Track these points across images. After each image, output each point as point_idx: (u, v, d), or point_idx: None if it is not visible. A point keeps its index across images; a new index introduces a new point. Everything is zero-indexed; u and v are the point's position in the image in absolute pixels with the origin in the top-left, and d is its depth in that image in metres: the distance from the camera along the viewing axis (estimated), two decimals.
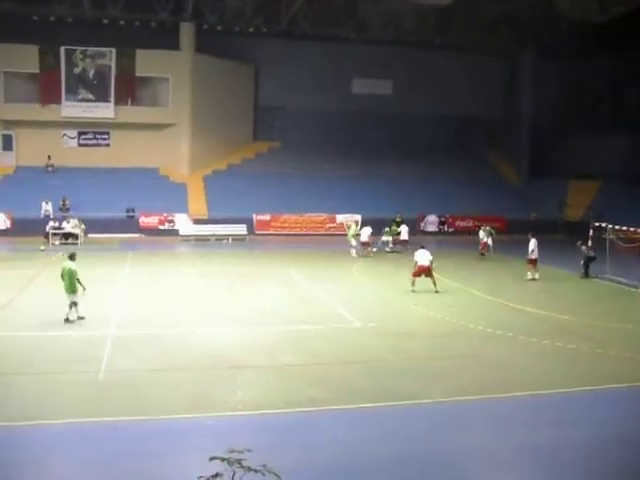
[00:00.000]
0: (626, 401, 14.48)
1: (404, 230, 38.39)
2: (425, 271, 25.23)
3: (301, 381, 14.93)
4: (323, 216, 45.67)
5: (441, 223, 48.16)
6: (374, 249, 36.56)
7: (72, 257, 20.36)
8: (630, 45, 47.89)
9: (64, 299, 19.53)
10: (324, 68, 52.39)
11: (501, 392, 14.43)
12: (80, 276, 19.59)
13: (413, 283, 25.33)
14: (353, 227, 37.79)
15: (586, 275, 29.56)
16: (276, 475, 6.05)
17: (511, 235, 41.68)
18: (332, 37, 50.27)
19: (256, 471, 6.00)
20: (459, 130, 55.86)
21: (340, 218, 45.59)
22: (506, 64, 57.62)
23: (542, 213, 48.28)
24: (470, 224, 46.91)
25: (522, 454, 11.80)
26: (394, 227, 39.19)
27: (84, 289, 19.54)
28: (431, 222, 48.25)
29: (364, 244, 35.91)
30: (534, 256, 28.63)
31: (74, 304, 19.47)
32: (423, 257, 25.35)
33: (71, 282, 19.46)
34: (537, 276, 28.69)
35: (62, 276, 19.62)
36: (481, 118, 56.39)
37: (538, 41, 52.39)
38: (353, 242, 36.23)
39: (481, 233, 36.55)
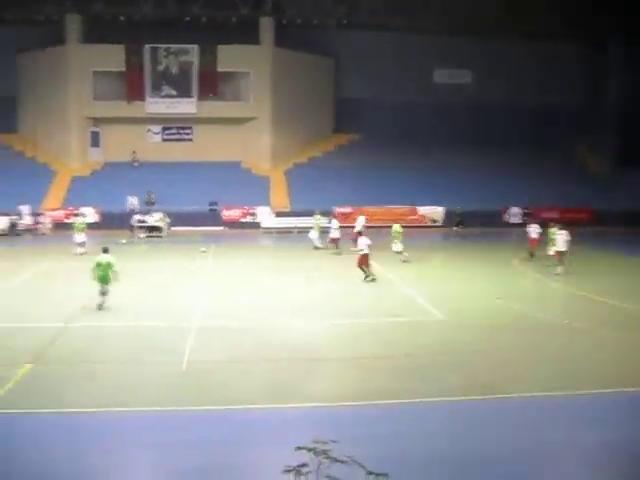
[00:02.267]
0: None
1: None
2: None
3: (384, 373, 14.72)
4: (404, 208, 45.32)
5: (525, 215, 47.11)
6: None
7: (106, 250, 20.94)
8: None
9: (96, 289, 20.26)
10: (404, 59, 51.97)
11: (590, 387, 13.90)
12: (118, 269, 20.34)
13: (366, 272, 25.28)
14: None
15: None
16: (362, 466, 5.93)
17: (597, 227, 40.48)
18: (412, 28, 49.79)
19: (342, 462, 5.89)
20: (541, 119, 54.40)
21: (421, 210, 45.22)
22: (589, 51, 55.81)
23: (631, 204, 46.53)
24: (556, 215, 45.75)
25: (609, 450, 11.34)
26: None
27: (117, 280, 20.34)
28: (514, 214, 47.31)
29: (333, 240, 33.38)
30: (563, 248, 26.55)
31: (104, 293, 20.12)
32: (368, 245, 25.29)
33: (107, 273, 20.17)
34: (559, 270, 26.56)
35: (97, 267, 20.25)
36: (564, 107, 54.73)
37: (628, 26, 50.60)
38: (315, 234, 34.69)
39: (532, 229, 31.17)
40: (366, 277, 24.87)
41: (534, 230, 30.70)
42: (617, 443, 11.35)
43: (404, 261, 29.30)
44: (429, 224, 45.39)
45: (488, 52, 52.79)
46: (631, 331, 18.04)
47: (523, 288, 25.29)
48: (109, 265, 20.25)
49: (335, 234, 32.75)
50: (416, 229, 42.86)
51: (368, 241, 25.13)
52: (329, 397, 13.31)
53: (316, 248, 33.51)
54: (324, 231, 34.55)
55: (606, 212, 45.51)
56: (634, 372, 14.69)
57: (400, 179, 46.89)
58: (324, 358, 15.92)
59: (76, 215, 40.16)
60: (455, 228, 43.19)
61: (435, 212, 45.68)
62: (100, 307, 19.98)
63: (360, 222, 33.98)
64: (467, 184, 46.57)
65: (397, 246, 29.68)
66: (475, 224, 43.57)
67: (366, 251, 24.88)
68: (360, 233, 27.62)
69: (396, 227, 30.22)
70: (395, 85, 52.18)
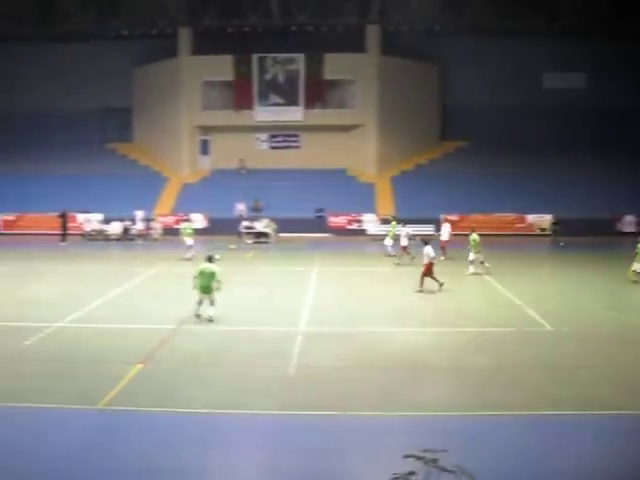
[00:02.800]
0: None
1: None
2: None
3: (491, 384, 14.37)
4: (512, 216, 44.37)
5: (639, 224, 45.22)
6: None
7: (211, 259, 20.21)
8: None
9: (195, 297, 19.82)
10: (513, 63, 50.91)
11: None
12: (221, 278, 19.62)
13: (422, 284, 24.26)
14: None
15: None
16: (472, 477, 5.76)
17: None
18: (520, 30, 48.71)
19: (450, 472, 5.74)
20: None
21: (530, 218, 44.16)
22: None
23: None
24: None
25: None
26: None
27: (219, 290, 19.68)
28: (629, 222, 45.48)
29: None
30: None
31: (212, 303, 19.55)
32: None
33: (209, 283, 19.53)
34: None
35: (199, 275, 19.65)
36: None
37: None
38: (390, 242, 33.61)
39: None
40: (420, 289, 24.09)
41: None
42: None
43: (473, 273, 28.14)
44: (537, 232, 44.22)
45: (602, 54, 50.85)
46: None
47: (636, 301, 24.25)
48: (212, 275, 19.60)
49: (404, 242, 31.51)
50: (524, 237, 41.97)
51: (432, 252, 24.25)
52: (436, 406, 13.08)
53: (388, 256, 32.68)
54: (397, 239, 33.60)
55: None
56: None
57: (508, 186, 45.91)
58: (429, 366, 15.68)
59: (185, 221, 41.25)
60: (553, 237, 41.52)
61: (543, 220, 44.45)
62: (210, 319, 19.29)
63: (445, 230, 33.55)
64: (578, 191, 45.06)
65: (472, 256, 28.38)
66: (586, 233, 42.05)
67: (429, 261, 24.06)
68: (426, 242, 25.00)
69: (474, 237, 28.74)
70: (503, 90, 51.15)
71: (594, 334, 18.54)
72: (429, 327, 19.32)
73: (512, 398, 13.45)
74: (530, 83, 52.00)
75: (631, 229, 44.69)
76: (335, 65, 48.62)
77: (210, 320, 19.20)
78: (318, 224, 44.17)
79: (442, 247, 32.39)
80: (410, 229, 32.70)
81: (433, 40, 50.15)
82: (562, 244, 39.33)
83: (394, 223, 35.03)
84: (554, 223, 41.53)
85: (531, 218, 44.36)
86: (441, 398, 13.58)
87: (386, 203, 46.24)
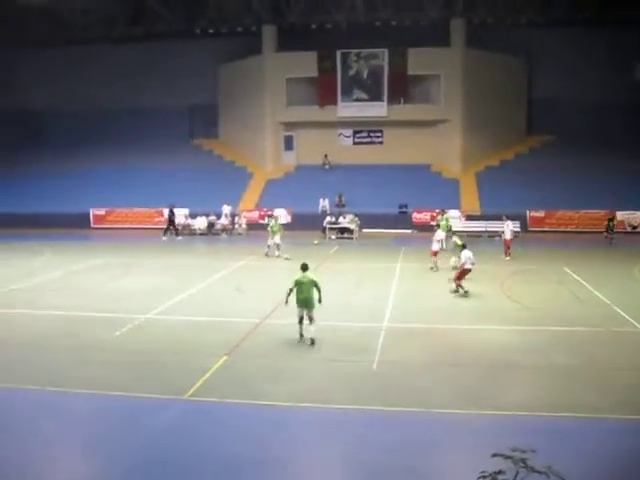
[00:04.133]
0: None
1: None
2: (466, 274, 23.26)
3: (578, 385, 14.04)
4: (601, 213, 43.12)
5: None
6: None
7: (305, 267, 17.42)
8: None
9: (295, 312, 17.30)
10: (603, 55, 49.18)
11: None
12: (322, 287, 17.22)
13: (459, 287, 23.29)
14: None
15: None
16: (562, 479, 5.65)
17: None
18: (612, 20, 47.16)
19: (540, 472, 5.63)
20: None
21: (620, 215, 42.83)
22: None
23: None
24: None
25: None
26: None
27: (321, 303, 17.09)
28: None
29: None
30: None
31: (311, 320, 16.89)
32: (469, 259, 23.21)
33: (310, 295, 16.91)
34: None
35: (297, 287, 16.94)
36: None
37: None
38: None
39: None
40: (456, 291, 23.33)
41: None
42: None
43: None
44: (629, 230, 42.87)
45: None
46: None
47: None
48: (312, 284, 16.94)
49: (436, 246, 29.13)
50: (614, 235, 40.76)
51: (470, 255, 23.26)
52: (521, 405, 12.87)
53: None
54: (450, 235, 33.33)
55: None
56: None
57: (596, 182, 44.51)
58: (514, 365, 15.43)
59: (270, 216, 41.67)
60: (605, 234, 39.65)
61: (635, 217, 43.08)
62: (312, 342, 16.74)
63: (508, 229, 32.10)
64: None
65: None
66: None
67: (468, 266, 23.07)
68: (464, 246, 23.94)
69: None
70: (591, 83, 49.55)
71: None
72: (514, 325, 19.00)
73: (598, 401, 13.11)
74: (620, 76, 50.28)
75: None
76: (419, 60, 48.19)
77: (312, 343, 16.67)
78: (402, 220, 43.91)
79: (507, 246, 31.62)
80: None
81: (519, 33, 49.09)
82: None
83: (447, 216, 35.53)
84: (610, 219, 39.72)
85: (621, 215, 43.03)
86: (524, 398, 13.36)
87: (471, 199, 45.64)
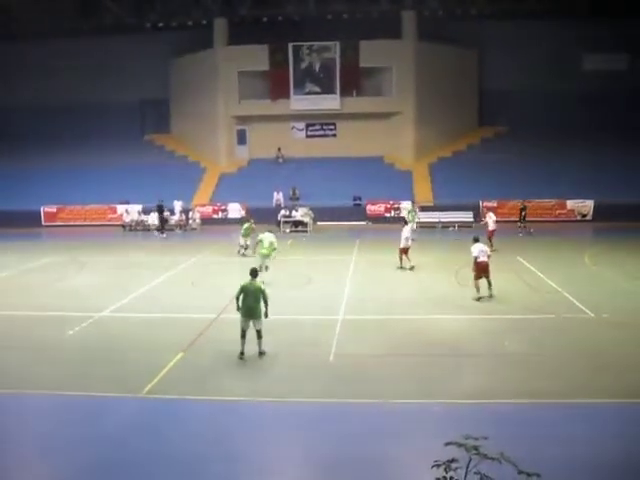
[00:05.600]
0: None
1: None
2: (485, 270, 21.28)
3: (528, 372, 14.24)
4: (552, 202, 43.77)
5: None
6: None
7: (255, 273, 15.92)
8: None
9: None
10: (551, 46, 49.96)
11: None
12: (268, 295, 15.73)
13: (478, 289, 21.33)
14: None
15: None
16: (514, 464, 5.73)
17: None
18: (559, 12, 47.83)
19: (493, 459, 5.70)
20: None
21: (570, 204, 43.54)
22: None
23: None
24: None
25: None
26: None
27: (266, 316, 15.51)
28: None
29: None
30: None
31: (259, 334, 15.42)
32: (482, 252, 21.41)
33: (256, 304, 15.36)
34: None
35: (242, 294, 15.44)
36: None
37: None
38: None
39: None
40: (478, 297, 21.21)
41: None
42: None
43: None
44: (578, 218, 43.60)
45: None
46: None
47: None
48: (259, 293, 15.35)
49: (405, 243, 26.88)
50: (564, 224, 41.44)
51: (484, 247, 21.86)
52: (474, 393, 13.03)
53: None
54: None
55: None
56: None
57: (547, 172, 45.17)
58: (469, 354, 15.63)
59: (223, 211, 41.53)
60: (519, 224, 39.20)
61: (584, 206, 43.81)
62: (262, 354, 15.47)
63: (491, 219, 31.57)
64: (620, 177, 44.30)
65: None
66: (627, 218, 41.27)
67: (482, 258, 21.27)
68: (477, 240, 22.07)
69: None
70: (542, 74, 50.26)
71: (636, 321, 18.29)
72: (468, 314, 19.22)
73: (549, 386, 13.35)
74: (569, 66, 51.09)
75: None
76: (371, 52, 48.34)
77: (262, 354, 15.42)
78: (356, 212, 44.10)
79: (489, 238, 30.58)
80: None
81: (470, 25, 49.47)
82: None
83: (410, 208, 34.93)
84: (522, 209, 40.00)
85: (571, 204, 43.75)
86: (476, 386, 13.52)
87: (424, 190, 45.96)
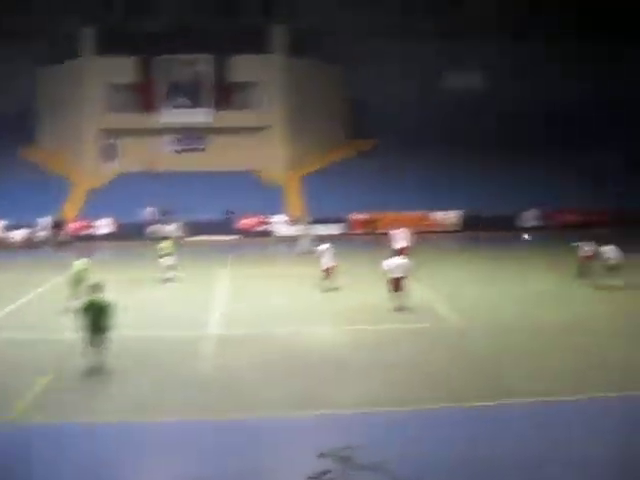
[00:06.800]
0: None
1: None
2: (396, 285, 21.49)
3: (404, 381, 14.77)
4: (417, 214, 45.05)
5: (541, 218, 46.63)
6: None
7: (97, 288, 15.69)
8: None
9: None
10: (414, 62, 52.01)
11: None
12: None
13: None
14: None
15: None
16: (385, 471, 5.99)
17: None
18: (421, 30, 49.73)
19: (365, 468, 5.94)
20: (556, 121, 54.12)
21: (435, 215, 45.05)
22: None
23: None
24: (574, 218, 45.65)
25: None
26: None
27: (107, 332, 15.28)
28: (530, 217, 46.91)
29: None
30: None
31: (101, 352, 15.35)
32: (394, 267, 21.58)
33: (101, 322, 15.13)
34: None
35: (85, 312, 15.31)
36: (579, 109, 54.19)
37: None
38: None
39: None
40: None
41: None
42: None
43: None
44: (444, 230, 45.17)
45: (503, 53, 52.67)
46: None
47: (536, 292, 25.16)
48: (104, 310, 15.10)
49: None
50: (431, 234, 42.74)
51: (397, 262, 21.88)
52: (350, 404, 13.35)
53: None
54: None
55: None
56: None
57: (417, 184, 46.62)
58: (343, 365, 15.97)
59: (91, 227, 40.60)
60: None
61: (450, 217, 45.51)
62: (100, 367, 15.26)
63: (401, 236, 30.72)
64: (484, 188, 46.40)
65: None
66: (492, 228, 43.33)
67: (394, 274, 21.33)
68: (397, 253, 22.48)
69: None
70: (406, 90, 52.14)
71: (503, 327, 19.30)
72: (343, 325, 19.64)
73: (426, 393, 13.87)
74: (431, 82, 53.25)
75: (533, 223, 46.18)
76: (241, 66, 48.60)
77: (100, 368, 15.19)
78: (227, 226, 44.02)
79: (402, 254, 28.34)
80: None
81: (339, 40, 50.58)
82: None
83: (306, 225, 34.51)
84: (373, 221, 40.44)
85: (437, 215, 45.27)
86: (355, 396, 13.84)
87: (296, 204, 46.42)
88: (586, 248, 26.60)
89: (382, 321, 20.16)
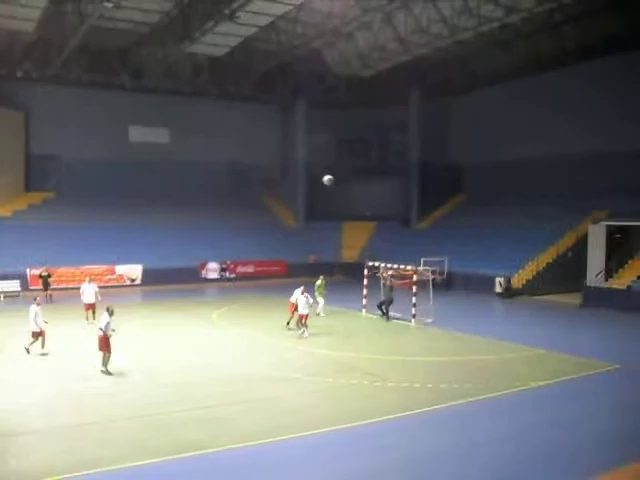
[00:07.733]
0: (397, 431, 15.25)
1: None
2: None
3: (87, 441, 14.28)
4: (102, 267, 44.19)
5: (222, 270, 48.42)
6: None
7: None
8: (391, 97, 52.33)
9: None
10: (100, 116, 51.55)
11: (287, 434, 14.66)
12: None
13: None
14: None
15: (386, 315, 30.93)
16: None
17: (292, 278, 42.78)
18: (107, 84, 49.43)
19: None
20: (236, 177, 57.62)
21: (119, 269, 44.60)
22: (281, 112, 59.84)
23: (320, 255, 50.61)
24: (252, 270, 48.62)
25: None
26: None
27: None
28: (212, 269, 48.41)
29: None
30: (305, 311, 26.43)
31: None
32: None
33: None
34: (307, 334, 26.32)
35: None
36: (258, 165, 58.35)
37: (310, 92, 54.70)
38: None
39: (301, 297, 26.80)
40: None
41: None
42: None
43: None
44: (128, 283, 44.81)
45: (185, 111, 54.28)
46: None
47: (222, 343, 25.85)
48: None
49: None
50: (115, 289, 42.06)
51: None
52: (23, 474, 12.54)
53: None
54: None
55: (298, 265, 48.74)
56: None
57: (99, 238, 45.87)
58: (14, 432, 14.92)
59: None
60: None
61: (134, 271, 45.29)
62: None
63: (90, 290, 29.43)
64: (166, 241, 47.12)
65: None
66: (176, 281, 44.10)
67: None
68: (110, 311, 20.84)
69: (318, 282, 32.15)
70: (90, 142, 51.36)
71: (181, 380, 19.53)
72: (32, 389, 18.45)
73: (109, 453, 13.48)
74: (117, 136, 53.08)
75: (215, 275, 47.82)
76: None
77: None
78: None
79: (90, 309, 28.89)
80: None
81: (17, 86, 48.40)
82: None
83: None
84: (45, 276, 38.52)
85: (121, 269, 44.82)
86: (27, 464, 12.97)
87: None
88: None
89: (57, 379, 19.29)
